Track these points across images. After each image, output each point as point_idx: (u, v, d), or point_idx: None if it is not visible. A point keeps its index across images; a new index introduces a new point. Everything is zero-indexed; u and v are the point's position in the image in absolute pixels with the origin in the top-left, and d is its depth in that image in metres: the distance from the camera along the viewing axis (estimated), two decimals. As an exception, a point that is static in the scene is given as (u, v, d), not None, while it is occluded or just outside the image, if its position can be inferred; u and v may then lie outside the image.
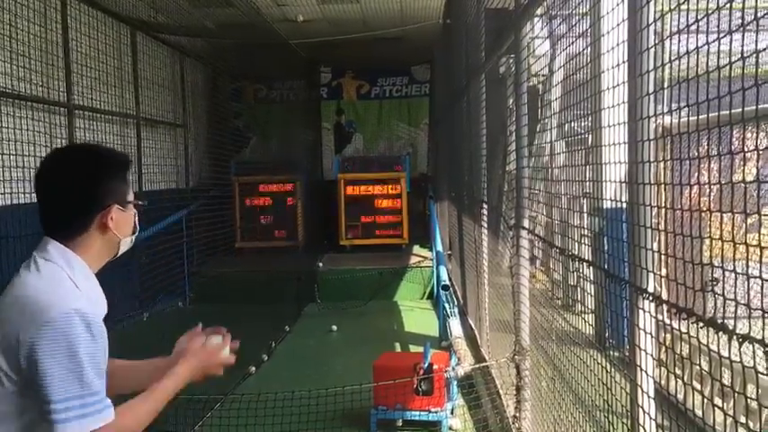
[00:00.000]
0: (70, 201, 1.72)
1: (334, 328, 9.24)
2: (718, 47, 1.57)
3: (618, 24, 2.29)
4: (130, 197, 1.82)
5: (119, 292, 7.86)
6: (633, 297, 2.15)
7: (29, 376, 1.55)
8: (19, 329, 1.54)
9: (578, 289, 3.23)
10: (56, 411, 1.53)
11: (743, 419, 3.11)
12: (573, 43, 3.05)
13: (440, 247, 9.47)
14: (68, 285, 1.65)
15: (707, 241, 1.93)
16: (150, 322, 8.54)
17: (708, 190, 1.73)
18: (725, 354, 1.57)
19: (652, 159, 2.09)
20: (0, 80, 6.13)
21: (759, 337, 1.48)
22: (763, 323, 1.52)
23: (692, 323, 1.72)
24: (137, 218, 1.84)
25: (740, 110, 1.50)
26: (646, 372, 2.12)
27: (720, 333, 1.58)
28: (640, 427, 2.12)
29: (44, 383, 1.53)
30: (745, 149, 1.60)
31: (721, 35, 1.56)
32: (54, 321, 1.55)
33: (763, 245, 1.51)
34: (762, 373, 1.69)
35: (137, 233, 1.85)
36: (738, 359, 1.52)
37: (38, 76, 6.65)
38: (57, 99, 7.07)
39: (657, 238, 2.28)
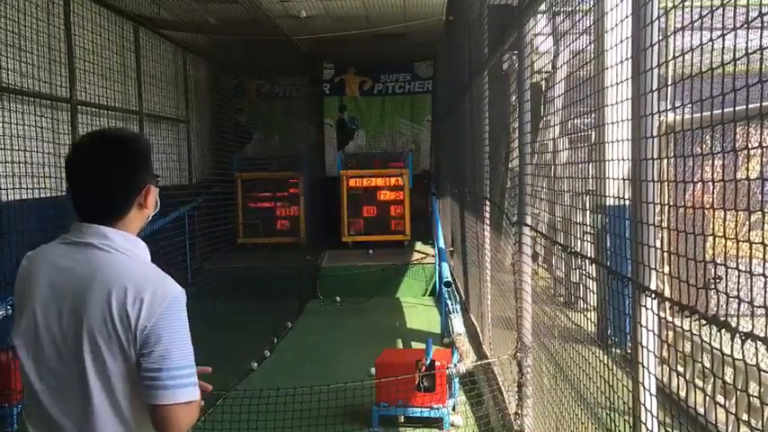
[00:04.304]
0: (118, 186, 1.81)
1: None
2: (723, 44, 1.56)
3: (622, 21, 2.28)
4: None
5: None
6: (636, 294, 2.15)
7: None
8: (140, 310, 1.68)
9: (580, 286, 3.23)
10: (178, 377, 1.69)
11: (745, 417, 3.11)
12: (576, 40, 3.04)
13: (442, 244, 9.47)
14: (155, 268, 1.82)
15: (710, 239, 1.93)
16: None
17: (711, 187, 1.72)
18: (727, 351, 1.57)
19: (655, 156, 2.09)
20: (3, 76, 6.13)
21: (762, 334, 1.48)
22: (767, 321, 1.52)
23: (695, 321, 1.72)
24: (158, 193, 1.94)
25: (744, 107, 1.50)
26: (648, 369, 2.12)
27: (723, 331, 1.57)
28: (642, 425, 2.12)
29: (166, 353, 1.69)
30: (749, 147, 1.59)
31: (726, 32, 1.56)
32: (176, 299, 1.74)
33: (766, 242, 1.51)
34: (764, 371, 1.69)
35: (158, 207, 1.94)
36: (741, 357, 1.52)
37: (41, 72, 6.65)
38: (60, 95, 7.07)
39: (660, 236, 2.28)
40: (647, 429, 2.10)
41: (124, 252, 1.78)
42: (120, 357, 1.70)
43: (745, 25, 1.52)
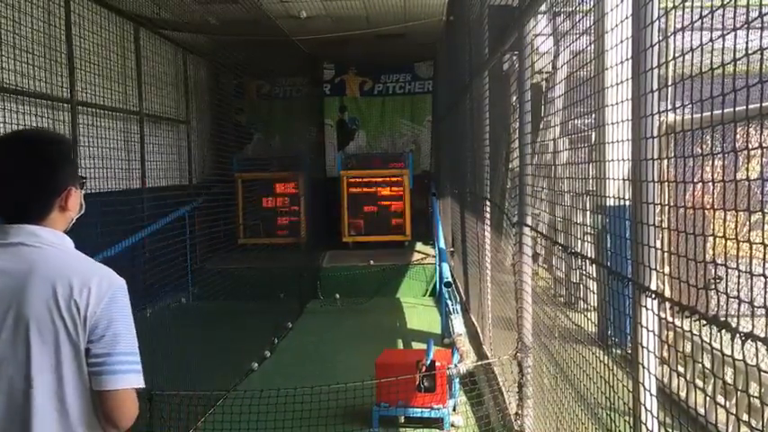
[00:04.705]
0: (37, 187, 1.79)
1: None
2: (723, 44, 1.56)
3: (622, 21, 2.29)
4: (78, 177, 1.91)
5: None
6: (636, 295, 2.15)
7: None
8: (88, 297, 1.70)
9: (581, 286, 3.23)
10: (126, 362, 1.72)
11: (745, 417, 3.10)
12: (577, 40, 3.04)
13: (442, 244, 9.47)
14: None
15: (710, 239, 1.93)
16: (153, 318, 8.56)
17: (711, 188, 1.72)
18: (728, 352, 1.56)
19: (655, 157, 2.09)
20: (3, 76, 6.13)
21: (762, 335, 1.48)
22: (767, 321, 1.52)
23: (695, 321, 1.72)
24: (82, 196, 1.91)
25: (744, 107, 1.50)
26: (648, 370, 2.12)
27: (723, 331, 1.57)
28: (643, 425, 2.12)
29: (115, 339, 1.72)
30: (749, 147, 1.59)
31: (726, 32, 1.56)
32: (122, 288, 1.78)
33: (766, 242, 1.51)
34: (765, 372, 1.69)
35: (83, 210, 1.91)
36: (741, 357, 1.52)
37: (41, 73, 6.65)
38: (60, 95, 7.07)
39: (661, 236, 2.28)
40: (648, 430, 2.10)
41: (54, 246, 1.77)
42: (68, 347, 1.68)
43: (746, 26, 1.52)
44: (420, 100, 14.35)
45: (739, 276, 1.61)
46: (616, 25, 2.34)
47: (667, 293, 2.13)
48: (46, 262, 1.72)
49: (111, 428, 1.74)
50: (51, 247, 1.76)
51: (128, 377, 1.72)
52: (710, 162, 1.80)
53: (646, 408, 2.11)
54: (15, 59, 6.16)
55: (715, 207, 1.79)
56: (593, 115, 2.90)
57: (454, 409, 5.43)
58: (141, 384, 1.75)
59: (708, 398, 1.84)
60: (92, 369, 1.69)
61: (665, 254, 2.24)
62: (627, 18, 2.22)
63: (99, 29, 7.81)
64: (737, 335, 1.52)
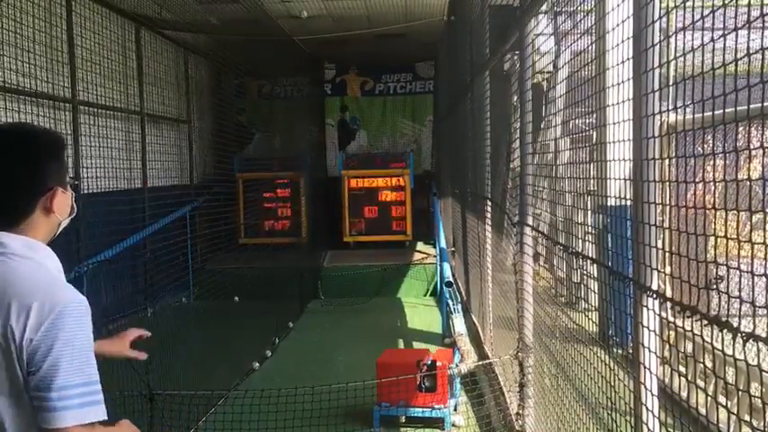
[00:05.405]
0: (15, 185, 1.62)
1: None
2: (724, 44, 1.56)
3: (623, 21, 2.28)
4: (68, 178, 1.75)
5: (124, 287, 7.88)
6: (637, 295, 2.15)
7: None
8: (25, 324, 1.50)
9: (582, 286, 3.23)
10: (68, 397, 1.49)
11: (747, 417, 3.10)
12: (578, 40, 3.04)
13: (443, 244, 9.47)
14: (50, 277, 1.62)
15: (712, 239, 1.93)
16: (155, 317, 8.57)
17: (713, 187, 1.72)
18: (729, 352, 1.56)
19: (657, 157, 2.09)
20: (5, 76, 6.13)
21: (764, 335, 1.48)
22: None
23: (697, 321, 1.72)
24: (73, 198, 1.75)
25: (746, 107, 1.50)
26: (649, 369, 2.12)
27: (725, 331, 1.57)
28: (644, 425, 2.12)
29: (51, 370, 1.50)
30: (751, 147, 1.59)
31: (727, 32, 1.55)
32: (69, 306, 1.54)
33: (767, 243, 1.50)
34: (766, 371, 1.68)
35: (74, 214, 1.74)
36: (743, 357, 1.52)
37: (42, 72, 6.65)
38: (61, 95, 7.08)
39: (662, 236, 2.27)
40: (649, 430, 2.10)
41: (21, 259, 1.58)
42: (4, 380, 1.51)
43: (747, 25, 1.52)
44: (421, 100, 14.36)
45: (741, 276, 1.61)
46: (617, 25, 2.34)
47: (668, 293, 2.13)
48: (2, 279, 1.54)
49: None
50: (14, 260, 1.57)
51: (70, 413, 1.48)
52: (712, 162, 1.79)
53: (647, 408, 2.11)
54: (17, 59, 6.17)
55: (716, 207, 1.79)
56: (595, 115, 2.89)
57: (455, 409, 5.43)
58: (94, 418, 1.52)
59: (709, 398, 1.83)
60: (34, 403, 1.49)
61: (667, 254, 2.24)
62: (628, 18, 2.22)
63: (100, 29, 7.82)
64: (739, 335, 1.51)
